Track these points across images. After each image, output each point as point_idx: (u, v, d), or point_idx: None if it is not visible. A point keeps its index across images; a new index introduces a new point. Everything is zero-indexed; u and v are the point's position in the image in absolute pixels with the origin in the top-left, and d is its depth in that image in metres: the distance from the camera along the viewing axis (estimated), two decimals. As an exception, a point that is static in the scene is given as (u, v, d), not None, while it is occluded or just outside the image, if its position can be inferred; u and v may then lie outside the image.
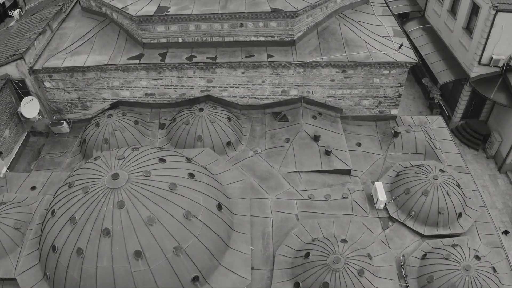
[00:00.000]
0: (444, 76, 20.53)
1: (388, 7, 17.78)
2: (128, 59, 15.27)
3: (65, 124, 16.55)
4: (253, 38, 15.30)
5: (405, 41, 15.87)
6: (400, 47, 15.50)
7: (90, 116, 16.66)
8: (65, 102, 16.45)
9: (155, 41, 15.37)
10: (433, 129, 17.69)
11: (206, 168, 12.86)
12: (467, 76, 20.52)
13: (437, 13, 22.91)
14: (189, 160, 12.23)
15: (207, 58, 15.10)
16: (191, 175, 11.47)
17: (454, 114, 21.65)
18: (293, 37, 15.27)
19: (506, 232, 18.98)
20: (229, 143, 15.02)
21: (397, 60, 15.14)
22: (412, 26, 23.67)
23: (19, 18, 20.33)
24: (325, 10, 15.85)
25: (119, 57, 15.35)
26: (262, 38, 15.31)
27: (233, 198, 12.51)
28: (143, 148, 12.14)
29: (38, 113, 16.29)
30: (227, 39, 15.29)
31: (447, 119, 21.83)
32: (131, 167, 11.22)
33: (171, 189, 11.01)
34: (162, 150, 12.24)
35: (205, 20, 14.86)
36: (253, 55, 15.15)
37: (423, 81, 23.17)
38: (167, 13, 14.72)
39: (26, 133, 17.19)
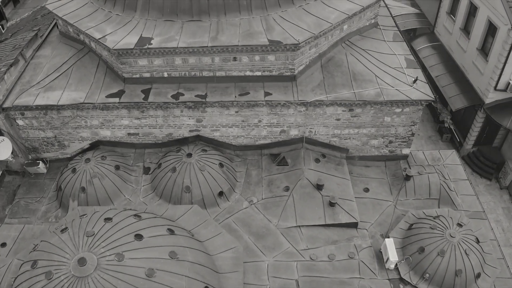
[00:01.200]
0: (456, 102, 18.25)
1: (399, 30, 15.43)
2: (107, 96, 13.05)
3: (41, 165, 14.37)
4: (248, 73, 12.94)
5: (419, 73, 13.60)
6: (414, 82, 13.30)
7: (68, 156, 14.45)
8: (41, 140, 14.26)
9: (137, 75, 12.99)
10: (447, 167, 15.59)
11: (192, 235, 10.85)
12: (482, 102, 18.20)
13: (448, 30, 20.40)
14: (171, 231, 10.14)
15: (196, 96, 12.81)
16: (173, 255, 9.27)
17: (466, 140, 19.37)
18: (294, 72, 12.92)
19: None
20: (221, 193, 12.77)
21: (411, 98, 12.94)
22: (421, 44, 21.17)
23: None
24: (330, 39, 13.45)
25: (97, 93, 13.04)
26: (258, 73, 12.97)
27: (223, 272, 10.39)
28: (117, 217, 9.92)
29: (12, 153, 14.23)
30: (218, 73, 12.92)
31: (458, 145, 19.72)
32: (102, 247, 9.09)
33: (148, 277, 8.86)
34: (140, 218, 10.14)
35: (193, 54, 12.49)
36: (248, 93, 12.87)
37: (432, 103, 20.49)
38: (149, 46, 12.49)
39: (1, 172, 15.00)
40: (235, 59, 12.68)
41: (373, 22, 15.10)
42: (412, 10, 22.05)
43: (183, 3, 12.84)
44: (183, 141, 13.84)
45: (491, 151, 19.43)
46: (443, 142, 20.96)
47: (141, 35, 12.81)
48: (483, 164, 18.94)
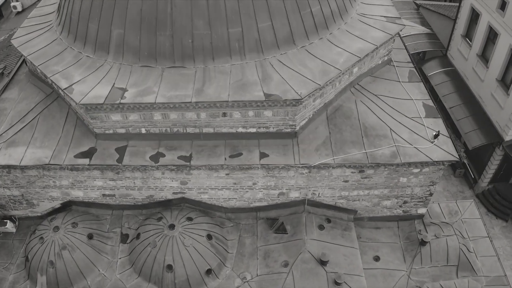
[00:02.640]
0: (473, 139, 15.50)
1: (415, 66, 12.83)
2: (76, 156, 10.45)
3: (9, 224, 11.75)
4: (240, 130, 10.20)
5: (440, 125, 10.60)
6: (435, 137, 10.79)
7: (39, 214, 12.06)
8: (7, 198, 11.90)
9: (111, 131, 10.33)
10: (465, 222, 13.16)
11: None
12: (501, 139, 15.39)
13: (463, 55, 17.27)
14: None
15: (178, 157, 10.06)
16: None
17: (481, 177, 16.65)
18: (295, 128, 10.11)
19: None
20: (209, 271, 10.30)
21: (432, 159, 10.40)
22: (433, 68, 18.03)
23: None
24: (338, 85, 10.62)
25: (65, 151, 10.20)
26: (252, 130, 10.21)
27: None
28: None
29: (-25, 210, 11.94)
30: (205, 130, 10.13)
31: (472, 182, 17.09)
32: None
33: None
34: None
35: (174, 109, 9.81)
36: (240, 154, 10.10)
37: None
38: (122, 101, 10.02)
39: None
40: (224, 114, 10.12)
41: (386, 59, 12.43)
42: (422, 29, 19.20)
43: (163, 46, 10.07)
44: (167, 203, 11.18)
45: (508, 189, 16.64)
46: (455, 177, 18.11)
47: (113, 85, 10.20)
48: (499, 203, 16.31)
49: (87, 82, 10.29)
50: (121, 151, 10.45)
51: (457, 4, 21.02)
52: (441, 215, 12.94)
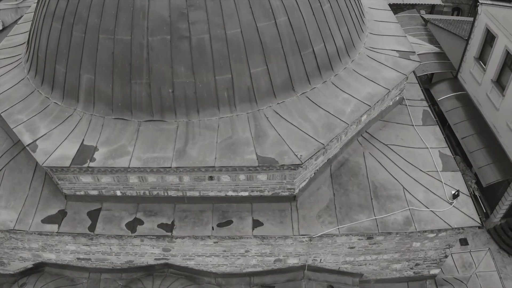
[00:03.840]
0: (487, 174, 13.38)
1: (429, 105, 10.83)
2: (44, 220, 8.58)
3: (-22, 282, 10.61)
4: (230, 193, 8.30)
5: (459, 180, 8.64)
6: (454, 198, 8.98)
7: (11, 272, 10.32)
8: None
9: (82, 192, 8.35)
10: (480, 276, 11.38)
11: None
12: (518, 174, 13.86)
13: (476, 79, 14.80)
14: None
15: (159, 226, 8.08)
16: None
17: (493, 212, 14.58)
18: (293, 192, 8.20)
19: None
20: None
21: (450, 226, 8.49)
22: (442, 92, 15.49)
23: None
24: (344, 138, 8.72)
25: (32, 213, 8.29)
26: (244, 193, 8.30)
27: None
28: None
29: None
30: (190, 193, 8.20)
31: (484, 216, 15.13)
32: None
33: None
34: None
35: (152, 173, 8.09)
36: (230, 221, 8.24)
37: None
38: (90, 166, 8.24)
39: None
40: (211, 178, 8.23)
41: (397, 99, 10.52)
42: (431, 48, 16.98)
43: (139, 96, 7.96)
44: (149, 268, 9.28)
45: (522, 224, 15.00)
46: (464, 209, 16.11)
47: (82, 142, 8.29)
48: (512, 239, 14.75)
49: (53, 137, 8.39)
50: (93, 216, 8.62)
51: (468, 19, 18.90)
52: (454, 269, 11.13)
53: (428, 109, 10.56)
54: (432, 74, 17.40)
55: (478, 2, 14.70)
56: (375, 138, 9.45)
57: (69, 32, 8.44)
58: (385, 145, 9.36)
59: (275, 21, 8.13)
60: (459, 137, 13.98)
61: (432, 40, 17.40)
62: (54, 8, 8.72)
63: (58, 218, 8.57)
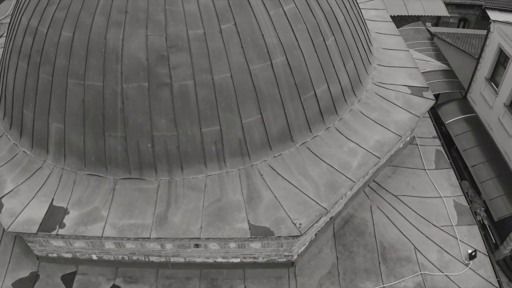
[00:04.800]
0: (499, 207, 11.75)
1: (442, 143, 9.35)
2: (15, 284, 7.10)
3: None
4: (219, 260, 6.87)
5: (477, 237, 7.26)
6: (471, 258, 7.64)
7: None
8: None
9: (55, 255, 6.99)
10: None
11: None
12: (532, 207, 12.42)
13: (487, 102, 13.09)
14: None
15: (139, 296, 7.56)
16: None
17: (503, 244, 13.12)
18: (291, 258, 6.76)
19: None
20: None
21: None
22: (451, 114, 13.79)
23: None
24: (349, 193, 7.33)
25: (2, 275, 6.89)
26: (235, 260, 6.92)
27: None
28: None
29: None
30: (174, 259, 6.81)
31: (493, 247, 13.69)
32: None
33: None
34: None
35: (130, 240, 6.83)
36: (220, 291, 7.55)
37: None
38: (59, 233, 6.82)
39: None
40: (197, 246, 6.95)
41: (408, 139, 8.96)
42: (439, 65, 15.41)
43: (114, 151, 6.50)
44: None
45: (533, 256, 13.55)
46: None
47: (51, 202, 6.87)
48: (522, 271, 13.41)
49: (20, 195, 6.98)
50: (68, 280, 7.15)
51: (477, 32, 17.28)
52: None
53: (442, 148, 9.18)
54: (439, 93, 15.90)
55: (490, 20, 13.17)
56: (383, 188, 8.07)
57: (36, 73, 7.05)
58: (395, 196, 7.97)
59: (271, 63, 6.67)
60: (469, 164, 12.52)
61: (439, 56, 15.82)
62: (20, 44, 7.25)
63: (30, 281, 7.31)
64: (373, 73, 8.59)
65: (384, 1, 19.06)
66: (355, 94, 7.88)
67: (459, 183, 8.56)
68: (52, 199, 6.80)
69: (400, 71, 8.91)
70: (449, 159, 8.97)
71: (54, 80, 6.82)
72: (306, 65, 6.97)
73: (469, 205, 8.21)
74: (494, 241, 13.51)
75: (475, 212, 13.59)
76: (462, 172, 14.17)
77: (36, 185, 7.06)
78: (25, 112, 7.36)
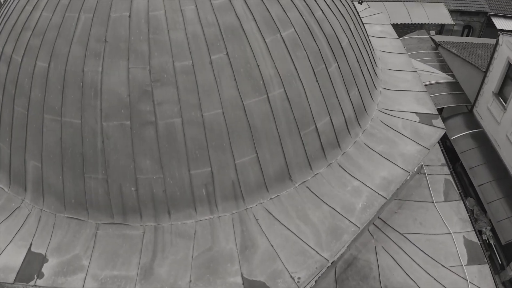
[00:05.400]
0: (507, 230, 10.82)
1: (451, 171, 8.45)
2: (-10, 330, 7.14)
3: None
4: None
5: (488, 278, 6.44)
6: None
7: None
8: None
9: (35, 300, 7.06)
10: None
11: None
12: (542, 229, 11.58)
13: (494, 117, 12.24)
14: None
15: None
16: None
17: (509, 265, 12.33)
18: (290, 308, 6.82)
19: None
20: None
21: None
22: (456, 129, 12.91)
23: None
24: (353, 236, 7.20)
25: None
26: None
27: None
28: None
29: None
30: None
31: (499, 268, 12.94)
32: None
33: None
34: None
35: None
36: None
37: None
38: (37, 285, 6.07)
39: None
40: None
41: (415, 169, 8.51)
42: (444, 77, 14.33)
43: (95, 194, 5.66)
44: None
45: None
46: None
47: (30, 247, 6.13)
48: (529, 293, 12.63)
49: (-5, 237, 6.60)
50: (48, 328, 6.89)
51: (483, 41, 16.34)
52: None
53: (451, 177, 8.40)
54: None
55: (499, 32, 12.27)
56: (389, 225, 7.24)
57: (11, 106, 6.22)
58: (401, 234, 7.25)
59: (268, 96, 5.85)
60: (475, 184, 11.68)
61: (444, 67, 14.88)
62: (-5, 72, 6.69)
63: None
64: (378, 99, 7.72)
65: (386, 8, 18.26)
66: (359, 125, 7.04)
67: (469, 216, 7.78)
68: (31, 244, 6.02)
69: (408, 95, 8.07)
70: (458, 190, 8.14)
71: (29, 114, 6.01)
72: (307, 97, 6.15)
73: (479, 240, 7.46)
74: (500, 262, 12.78)
75: (480, 231, 12.86)
76: (468, 188, 13.37)
77: (14, 227, 6.24)
78: (2, 146, 6.60)
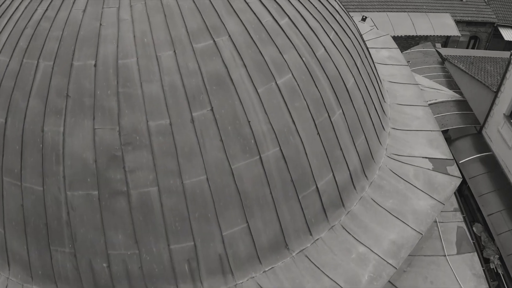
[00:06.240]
0: (519, 263, 10.58)
1: (464, 217, 7.18)
2: None
3: None
4: None
5: None
6: None
7: None
8: None
9: None
10: None
11: None
12: (556, 264, 10.45)
13: (505, 141, 10.84)
14: None
15: None
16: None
17: (518, 296, 11.87)
18: None
19: None
20: None
21: None
22: (465, 152, 11.53)
23: None
24: (357, 308, 6.22)
25: None
26: None
27: None
28: None
29: None
30: None
31: None
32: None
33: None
34: None
35: None
36: None
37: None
38: None
39: None
40: None
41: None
42: (451, 95, 12.80)
43: (63, 267, 4.57)
44: None
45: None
46: None
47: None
48: (537, 323, 11.61)
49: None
50: None
51: (491, 54, 15.00)
52: None
53: (464, 225, 7.35)
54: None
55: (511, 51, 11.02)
56: (395, 286, 6.45)
57: (-30, 162, 5.50)
58: (412, 298, 6.37)
59: (260, 157, 4.72)
60: (485, 213, 10.52)
61: (451, 83, 13.55)
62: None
63: None
64: (387, 142, 6.59)
65: (390, 19, 16.95)
66: (366, 176, 5.91)
67: (483, 270, 6.78)
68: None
69: (419, 136, 6.91)
70: (472, 239, 7.10)
71: (-12, 174, 5.21)
72: (306, 154, 5.03)
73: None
74: (508, 291, 11.79)
75: (488, 260, 11.83)
76: (475, 213, 12.25)
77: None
78: (-36, 203, 5.77)
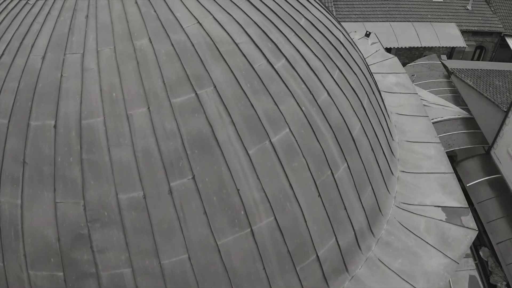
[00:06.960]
0: (530, 296, 9.65)
1: (477, 265, 6.61)
2: None
3: None
4: None
5: None
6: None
7: None
8: None
9: None
10: None
11: None
12: None
13: None
14: None
15: None
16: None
17: (526, 324, 11.00)
18: None
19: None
20: None
21: None
22: (472, 175, 10.54)
23: None
24: None
25: None
26: None
27: None
28: None
29: None
30: None
31: None
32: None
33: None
34: None
35: None
36: None
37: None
38: None
39: None
40: None
41: None
42: (458, 112, 11.64)
43: None
44: None
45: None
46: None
47: None
48: None
49: None
50: None
51: (500, 67, 13.91)
52: None
53: (476, 273, 6.55)
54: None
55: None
56: None
57: None
58: None
59: (251, 230, 3.83)
60: (493, 241, 9.66)
61: (458, 99, 12.44)
62: None
63: None
64: (395, 189, 5.79)
65: (394, 29, 15.86)
66: (372, 233, 5.04)
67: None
68: None
69: (431, 180, 5.97)
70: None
71: None
72: (305, 221, 4.17)
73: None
74: (514, 319, 10.97)
75: (495, 286, 11.02)
76: (482, 236, 11.40)
77: None
78: None
